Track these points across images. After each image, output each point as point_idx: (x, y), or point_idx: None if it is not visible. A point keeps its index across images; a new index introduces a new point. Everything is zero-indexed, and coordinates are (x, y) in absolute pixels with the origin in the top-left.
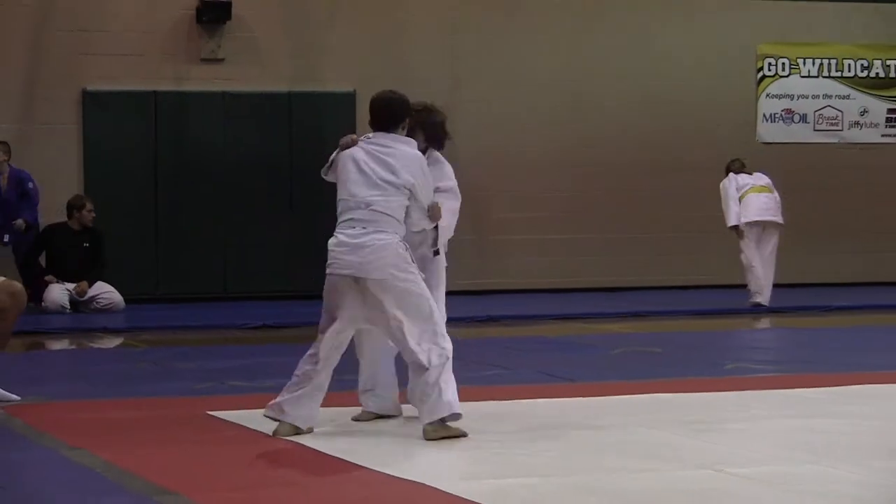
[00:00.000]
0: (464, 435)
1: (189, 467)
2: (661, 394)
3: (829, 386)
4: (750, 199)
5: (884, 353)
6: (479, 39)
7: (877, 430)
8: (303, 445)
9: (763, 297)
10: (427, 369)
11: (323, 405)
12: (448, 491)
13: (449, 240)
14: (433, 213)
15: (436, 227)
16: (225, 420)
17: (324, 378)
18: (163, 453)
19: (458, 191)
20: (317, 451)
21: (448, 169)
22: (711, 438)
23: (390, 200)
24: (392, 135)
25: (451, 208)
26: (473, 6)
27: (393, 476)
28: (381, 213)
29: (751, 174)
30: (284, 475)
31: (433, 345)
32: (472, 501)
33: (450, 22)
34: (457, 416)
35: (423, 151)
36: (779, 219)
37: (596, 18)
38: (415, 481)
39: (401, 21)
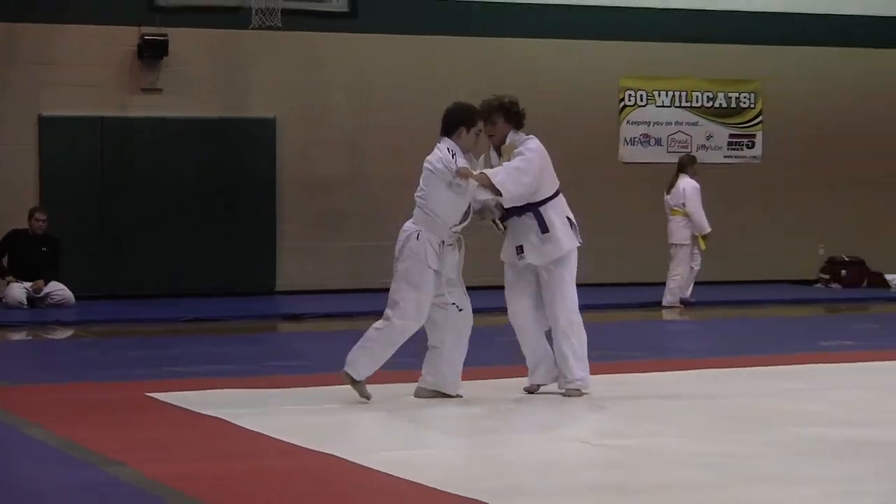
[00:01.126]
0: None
1: (133, 442)
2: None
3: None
4: None
5: (733, 343)
6: (383, 74)
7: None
8: (232, 423)
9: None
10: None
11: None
12: (362, 463)
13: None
14: (461, 172)
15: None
16: (163, 401)
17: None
18: (110, 430)
19: (531, 158)
20: (245, 428)
21: (530, 141)
22: (596, 415)
23: (423, 194)
24: (443, 139)
25: (514, 165)
26: (379, 46)
27: (314, 450)
28: (418, 207)
29: None
30: (216, 449)
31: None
32: (383, 472)
33: (358, 59)
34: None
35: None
36: None
37: (486, 46)
38: (335, 455)
39: (317, 57)
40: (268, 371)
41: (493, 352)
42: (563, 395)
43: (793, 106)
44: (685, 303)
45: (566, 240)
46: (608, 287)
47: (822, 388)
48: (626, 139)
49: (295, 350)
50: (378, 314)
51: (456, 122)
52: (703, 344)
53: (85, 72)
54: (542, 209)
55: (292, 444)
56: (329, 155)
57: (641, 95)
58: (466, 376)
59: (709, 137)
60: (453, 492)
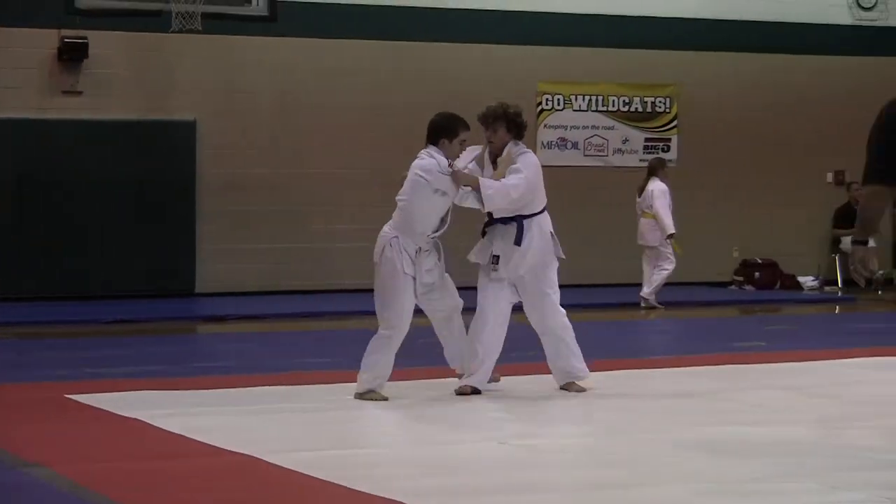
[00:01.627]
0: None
1: (51, 443)
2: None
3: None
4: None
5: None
6: (302, 77)
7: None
8: (151, 425)
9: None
10: None
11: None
12: (280, 464)
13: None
14: (454, 176)
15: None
16: (83, 403)
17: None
18: (28, 431)
19: (526, 176)
20: (164, 429)
21: (527, 157)
22: (500, 415)
23: (406, 198)
24: (429, 146)
25: (508, 182)
26: (298, 49)
27: (233, 451)
28: (398, 209)
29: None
30: (136, 450)
31: None
32: (301, 472)
33: (278, 62)
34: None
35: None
36: None
37: (405, 50)
38: (253, 455)
39: (236, 60)
40: (188, 372)
41: (416, 354)
42: (573, 390)
43: (707, 110)
44: (650, 305)
45: (542, 253)
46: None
47: (736, 389)
48: (543, 143)
49: (215, 351)
50: (298, 315)
51: (439, 133)
52: (621, 345)
53: (4, 74)
54: (526, 222)
55: (211, 445)
56: (249, 157)
57: (558, 100)
58: (395, 376)
59: (625, 141)
60: (369, 491)
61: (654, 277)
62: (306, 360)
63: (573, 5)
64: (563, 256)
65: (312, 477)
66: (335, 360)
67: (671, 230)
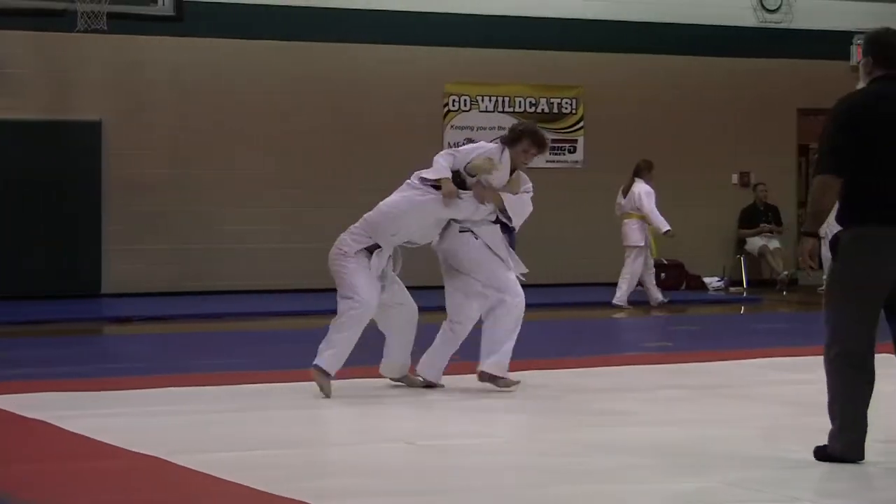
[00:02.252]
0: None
1: None
2: (365, 378)
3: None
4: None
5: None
6: (208, 77)
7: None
8: (56, 426)
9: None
10: None
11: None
12: (185, 465)
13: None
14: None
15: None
16: None
17: None
18: None
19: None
20: (68, 430)
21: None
22: (408, 416)
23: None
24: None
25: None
26: (204, 49)
27: (138, 452)
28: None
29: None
30: (39, 452)
31: None
32: (206, 473)
33: (184, 62)
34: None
35: None
36: None
37: (312, 51)
38: (158, 457)
39: (142, 60)
40: (94, 374)
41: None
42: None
43: (614, 112)
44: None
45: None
46: (432, 290)
47: (643, 388)
48: (449, 143)
49: (121, 353)
50: (204, 316)
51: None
52: (527, 345)
53: None
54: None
55: (117, 447)
56: (154, 157)
57: (465, 101)
58: (302, 377)
59: None
60: (273, 492)
61: (621, 282)
62: (212, 362)
63: (480, 7)
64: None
65: (217, 478)
66: (241, 361)
67: (665, 227)
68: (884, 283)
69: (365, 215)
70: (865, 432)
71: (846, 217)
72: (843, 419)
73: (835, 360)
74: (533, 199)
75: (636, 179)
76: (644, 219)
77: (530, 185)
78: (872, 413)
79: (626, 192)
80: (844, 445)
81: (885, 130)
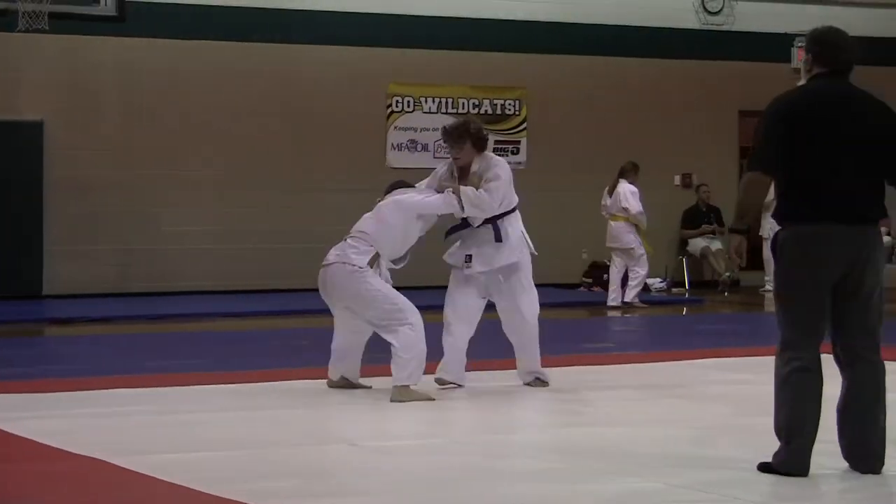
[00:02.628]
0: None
1: None
2: (310, 380)
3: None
4: None
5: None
6: (150, 77)
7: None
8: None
9: None
10: None
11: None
12: (126, 466)
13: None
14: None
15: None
16: None
17: None
18: None
19: (499, 185)
20: (8, 432)
21: (498, 168)
22: (351, 417)
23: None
24: None
25: (485, 197)
26: (147, 50)
27: (78, 454)
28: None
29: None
30: None
31: None
32: (146, 474)
33: (126, 63)
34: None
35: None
36: None
37: (255, 52)
38: (98, 458)
39: (84, 60)
40: (36, 375)
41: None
42: (536, 385)
43: (557, 113)
44: (627, 304)
45: (517, 249)
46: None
47: (586, 389)
48: (393, 144)
49: (63, 354)
50: (147, 318)
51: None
52: (474, 347)
53: None
54: (499, 222)
55: (59, 449)
56: (97, 158)
57: (409, 101)
58: (245, 379)
59: None
60: (214, 493)
61: (632, 283)
62: (155, 363)
63: (424, 8)
64: (536, 253)
65: (161, 480)
66: (184, 363)
67: (643, 223)
68: (824, 281)
69: (362, 229)
70: (811, 447)
71: (782, 215)
72: (789, 433)
73: (783, 368)
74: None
75: (620, 180)
76: (629, 220)
77: (498, 170)
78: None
79: (611, 193)
80: (790, 460)
81: (822, 128)
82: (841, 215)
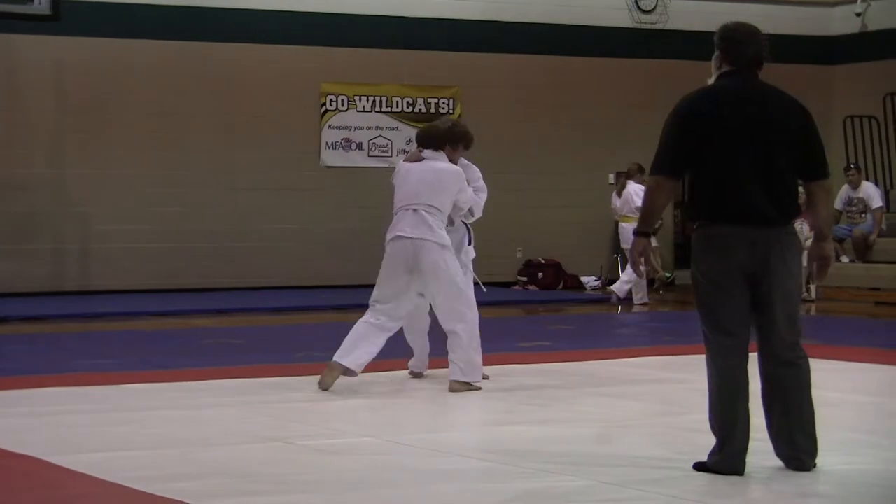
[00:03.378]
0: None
1: None
2: (244, 378)
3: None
4: None
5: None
6: (83, 76)
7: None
8: None
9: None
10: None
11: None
12: (62, 464)
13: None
14: None
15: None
16: None
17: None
18: None
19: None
20: None
21: (475, 169)
22: (286, 416)
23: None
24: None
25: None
26: (80, 48)
27: (12, 451)
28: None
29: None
30: None
31: None
32: (83, 473)
33: (59, 61)
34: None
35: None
36: None
37: (188, 50)
38: (33, 456)
39: (18, 59)
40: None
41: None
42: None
43: (490, 112)
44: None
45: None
46: (314, 289)
47: (520, 388)
48: (327, 143)
49: None
50: (82, 316)
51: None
52: (398, 346)
53: None
54: (470, 225)
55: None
56: (30, 157)
57: (342, 100)
58: (179, 378)
59: (408, 142)
60: (152, 492)
61: (624, 277)
62: (91, 362)
63: (356, 6)
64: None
65: (95, 478)
66: (119, 361)
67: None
68: (736, 281)
69: (429, 210)
70: (747, 445)
71: (692, 216)
72: (723, 431)
73: (711, 367)
74: None
75: (628, 181)
76: None
77: (477, 174)
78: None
79: (619, 194)
80: (724, 459)
81: (724, 127)
82: (745, 217)
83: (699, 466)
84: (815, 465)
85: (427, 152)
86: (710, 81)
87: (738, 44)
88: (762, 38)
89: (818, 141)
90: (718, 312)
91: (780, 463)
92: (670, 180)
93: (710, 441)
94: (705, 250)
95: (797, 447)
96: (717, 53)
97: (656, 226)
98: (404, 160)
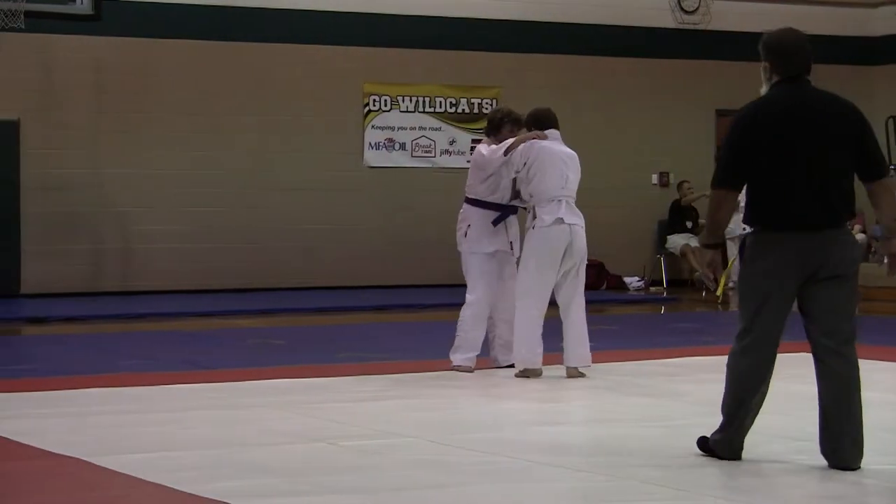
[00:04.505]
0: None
1: None
2: (285, 379)
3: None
4: None
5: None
6: (125, 76)
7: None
8: None
9: None
10: None
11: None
12: (105, 465)
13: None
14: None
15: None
16: None
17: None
18: None
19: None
20: None
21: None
22: (329, 416)
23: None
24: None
25: None
26: (122, 49)
27: (56, 453)
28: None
29: None
30: None
31: None
32: (125, 473)
33: (101, 62)
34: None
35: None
36: None
37: (230, 51)
38: (76, 457)
39: (60, 59)
40: (11, 374)
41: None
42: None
43: None
44: None
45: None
46: (355, 289)
47: (559, 388)
48: (370, 144)
49: (38, 353)
50: (121, 317)
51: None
52: (445, 346)
53: None
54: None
55: (34, 447)
56: (72, 157)
57: (385, 101)
58: (220, 378)
59: (452, 142)
60: (193, 492)
61: None
62: (130, 362)
63: (400, 7)
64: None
65: (137, 478)
66: (160, 362)
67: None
68: (785, 286)
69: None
70: (745, 433)
71: (750, 221)
72: (729, 415)
73: (733, 356)
74: (454, 199)
75: None
76: None
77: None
78: (786, 411)
79: None
80: (722, 441)
81: (785, 136)
82: (802, 223)
83: (701, 442)
84: (859, 466)
85: (552, 132)
86: (763, 92)
87: (785, 55)
88: (807, 43)
89: (874, 141)
90: (759, 313)
91: (824, 462)
92: (731, 193)
93: (754, 443)
94: (756, 254)
95: (843, 446)
96: (765, 64)
97: (719, 241)
98: (531, 140)
